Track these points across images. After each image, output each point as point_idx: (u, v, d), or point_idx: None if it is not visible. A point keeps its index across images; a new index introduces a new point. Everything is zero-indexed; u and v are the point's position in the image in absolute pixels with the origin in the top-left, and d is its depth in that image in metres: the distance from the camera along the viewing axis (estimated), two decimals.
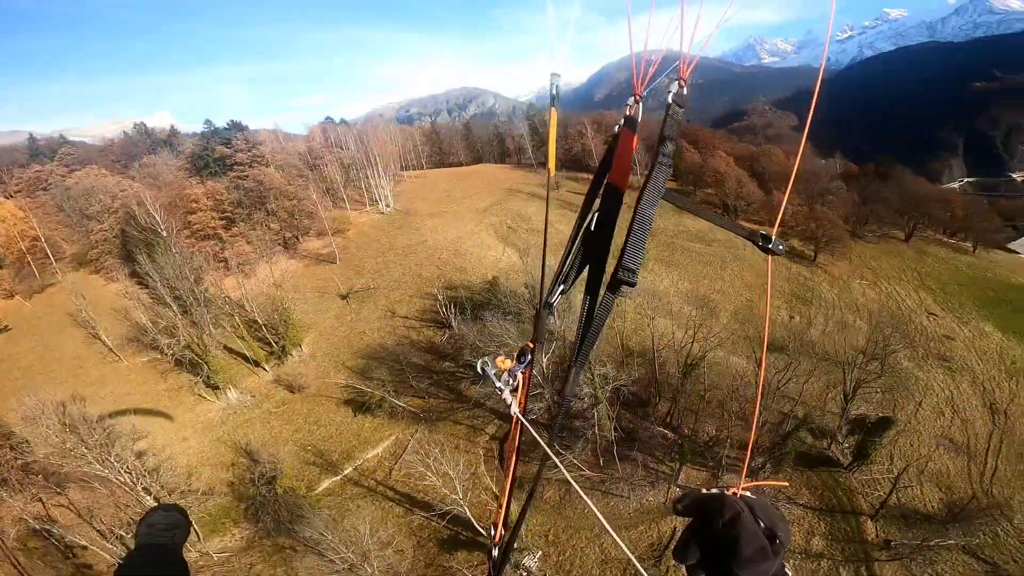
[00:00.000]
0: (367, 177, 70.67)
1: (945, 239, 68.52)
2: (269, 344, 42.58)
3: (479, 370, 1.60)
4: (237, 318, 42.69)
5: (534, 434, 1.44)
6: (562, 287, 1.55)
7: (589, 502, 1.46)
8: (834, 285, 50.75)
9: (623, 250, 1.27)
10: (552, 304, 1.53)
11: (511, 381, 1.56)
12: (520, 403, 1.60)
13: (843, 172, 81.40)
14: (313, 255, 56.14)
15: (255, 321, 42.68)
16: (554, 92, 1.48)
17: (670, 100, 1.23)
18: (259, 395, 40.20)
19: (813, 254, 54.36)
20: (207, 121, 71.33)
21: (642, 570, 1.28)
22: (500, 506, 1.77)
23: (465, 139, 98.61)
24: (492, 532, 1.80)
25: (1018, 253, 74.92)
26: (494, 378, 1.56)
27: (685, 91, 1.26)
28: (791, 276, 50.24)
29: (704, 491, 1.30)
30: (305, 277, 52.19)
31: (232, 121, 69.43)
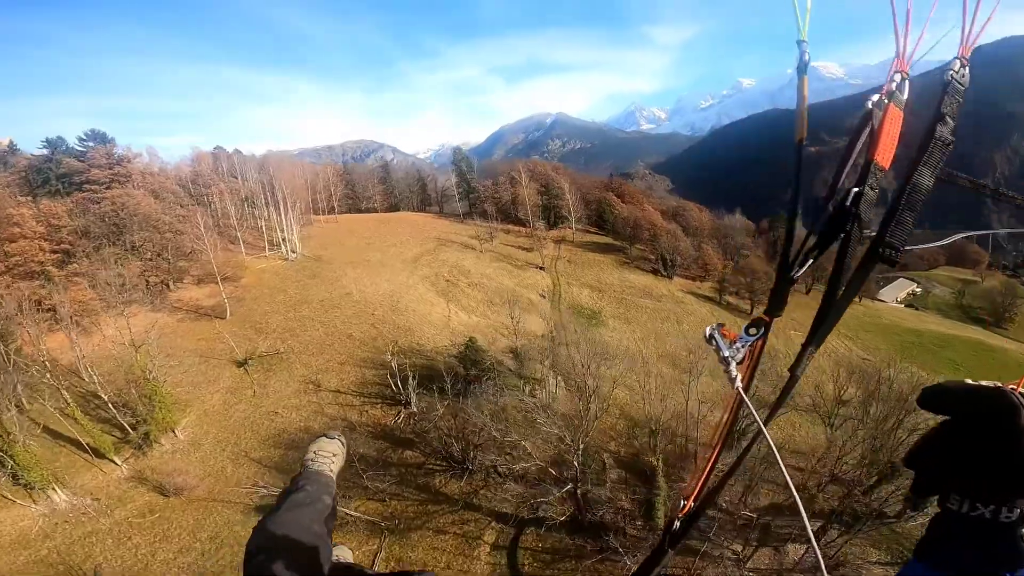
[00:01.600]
0: (269, 217, 59.46)
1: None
2: (123, 428, 29.87)
3: (706, 336, 1.36)
4: (65, 392, 29.49)
5: (755, 414, 1.23)
6: (811, 259, 1.22)
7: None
8: (778, 337, 50.78)
9: (886, 221, 1.09)
10: (794, 277, 1.22)
11: (737, 353, 1.32)
12: (744, 378, 1.34)
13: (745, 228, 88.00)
14: (192, 307, 43.39)
15: (98, 396, 30.10)
16: (805, 59, 1.18)
17: (948, 77, 1.11)
18: (108, 498, 27.24)
19: (749, 307, 54.82)
20: (57, 138, 55.45)
21: None
22: (696, 480, 1.54)
23: (383, 183, 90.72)
24: (679, 504, 1.58)
25: (885, 301, 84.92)
26: (723, 346, 1.32)
27: (966, 71, 1.13)
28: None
29: (969, 381, 1.02)
30: (181, 336, 39.42)
31: (92, 130, 54.04)
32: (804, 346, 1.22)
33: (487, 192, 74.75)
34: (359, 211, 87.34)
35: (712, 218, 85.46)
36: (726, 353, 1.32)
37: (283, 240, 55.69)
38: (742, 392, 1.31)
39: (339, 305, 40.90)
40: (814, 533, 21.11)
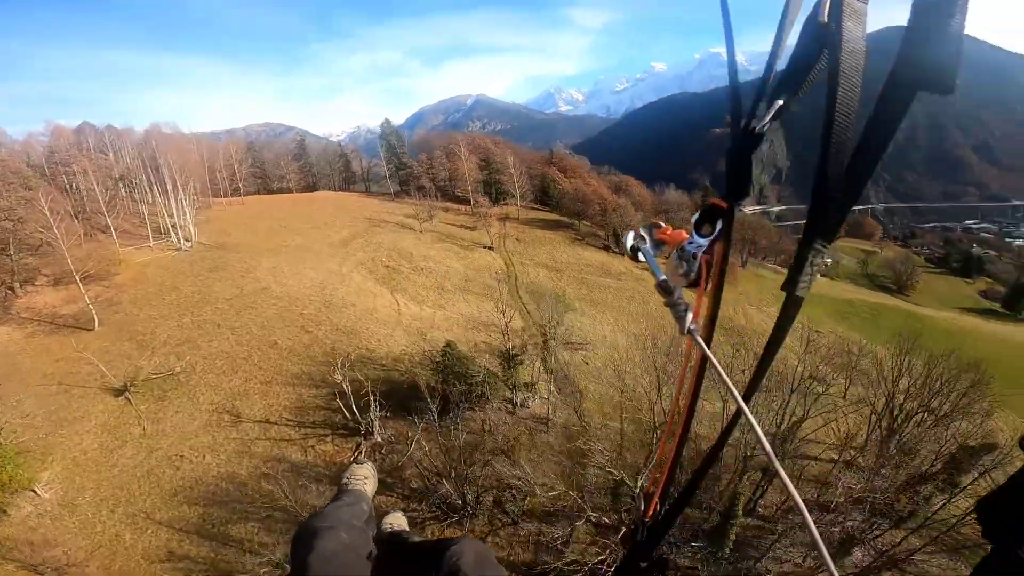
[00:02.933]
0: (153, 200, 48.27)
1: (766, 264, 77.35)
2: None
3: (628, 247, 0.97)
4: None
5: (718, 368, 0.83)
6: (780, 100, 0.77)
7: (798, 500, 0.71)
8: (736, 311, 49.40)
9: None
10: (758, 130, 0.76)
11: (686, 267, 0.88)
12: (703, 313, 0.90)
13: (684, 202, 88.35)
14: (48, 316, 32.92)
15: None
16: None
17: None
18: None
19: (704, 285, 53.40)
20: None
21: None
22: (661, 473, 1.27)
23: (298, 159, 79.22)
24: (642, 504, 1.36)
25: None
26: (656, 266, 0.90)
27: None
28: None
29: None
30: (32, 355, 29.36)
31: None
32: (805, 243, 0.75)
33: (422, 167, 67.24)
34: (270, 192, 75.83)
35: (652, 193, 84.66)
36: (662, 276, 0.86)
37: (173, 226, 45.03)
38: (698, 338, 0.84)
39: (254, 304, 32.52)
40: (871, 536, 18.34)
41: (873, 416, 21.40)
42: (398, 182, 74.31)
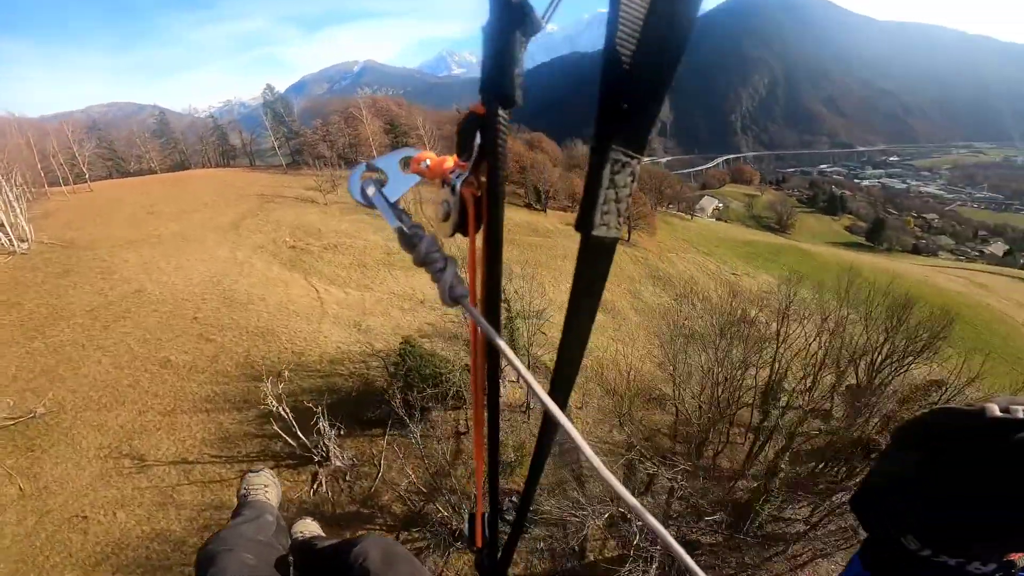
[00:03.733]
0: None
1: (671, 212, 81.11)
2: None
3: (354, 192, 0.66)
4: None
5: (505, 350, 0.58)
6: None
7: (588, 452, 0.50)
8: (662, 260, 50.50)
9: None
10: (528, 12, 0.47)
11: (447, 206, 0.65)
12: (474, 273, 0.68)
13: None
14: None
15: None
16: None
17: None
18: None
19: (627, 234, 53.79)
20: None
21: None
22: (479, 482, 1.09)
23: (159, 136, 66.48)
24: (467, 531, 1.26)
25: (703, 217, 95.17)
26: (382, 206, 0.64)
27: None
28: (635, 259, 47.34)
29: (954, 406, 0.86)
30: None
31: None
32: (598, 155, 0.49)
33: (318, 134, 59.58)
34: (127, 175, 63.36)
35: (562, 149, 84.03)
36: (398, 224, 0.61)
37: None
38: (470, 307, 0.60)
39: (127, 313, 25.80)
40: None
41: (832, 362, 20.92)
42: (290, 153, 65.67)
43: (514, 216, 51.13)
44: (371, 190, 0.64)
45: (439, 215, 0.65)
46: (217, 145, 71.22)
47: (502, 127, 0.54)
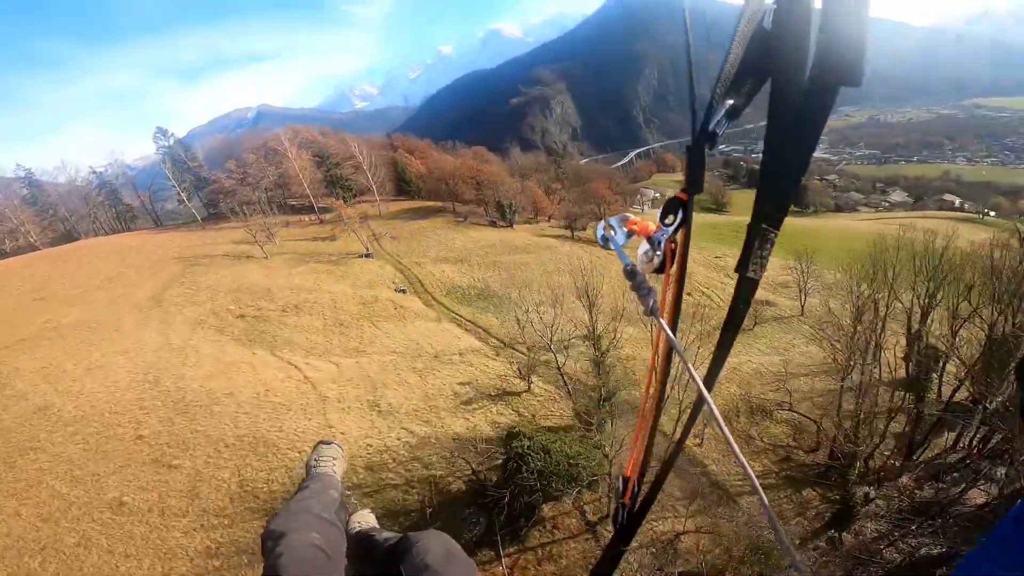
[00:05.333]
0: None
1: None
2: None
3: (599, 237, 1.01)
4: None
5: (679, 351, 0.89)
6: (730, 101, 0.79)
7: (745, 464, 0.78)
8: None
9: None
10: (715, 132, 0.80)
11: (653, 256, 0.94)
12: (668, 299, 0.96)
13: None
14: None
15: None
16: None
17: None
18: None
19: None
20: None
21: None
22: (633, 454, 1.27)
23: (33, 205, 54.62)
24: (620, 487, 1.32)
25: (647, 208, 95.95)
26: (618, 250, 0.97)
27: None
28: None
29: None
30: None
31: None
32: (753, 227, 0.83)
33: (235, 177, 51.50)
34: (2, 256, 51.51)
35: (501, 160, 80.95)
36: (628, 262, 0.93)
37: None
38: (660, 319, 0.90)
39: (36, 440, 18.06)
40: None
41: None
42: (203, 204, 56.72)
43: (484, 236, 46.51)
44: (612, 236, 0.94)
45: (646, 258, 0.91)
46: (109, 207, 60.27)
47: (692, 208, 0.87)
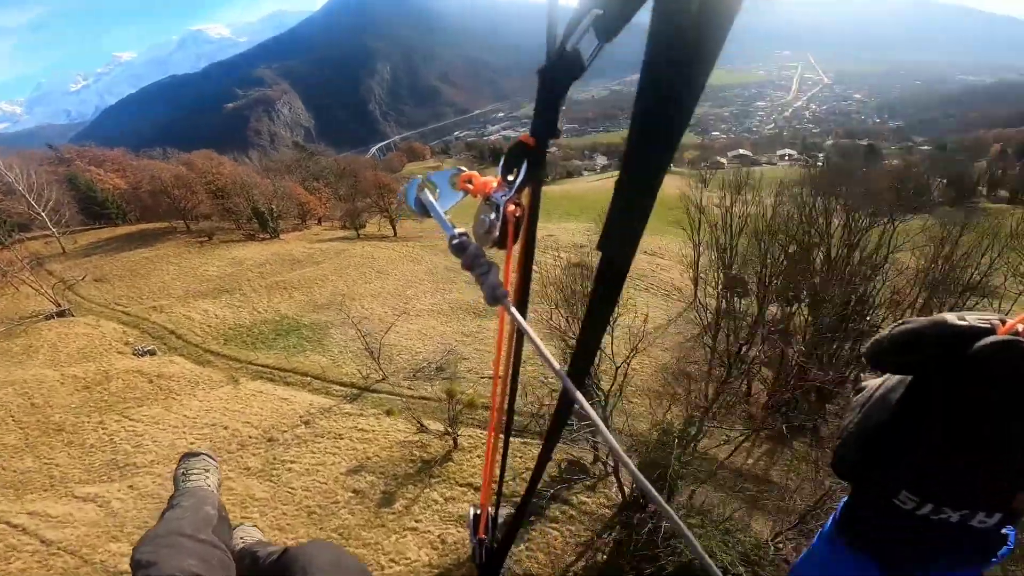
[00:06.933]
0: None
1: None
2: None
3: (409, 201, 0.74)
4: None
5: (537, 343, 0.62)
6: (600, 12, 0.51)
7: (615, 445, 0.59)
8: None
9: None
10: (578, 53, 0.54)
11: (490, 221, 0.69)
12: (509, 276, 0.75)
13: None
14: None
15: None
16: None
17: None
18: None
19: (392, 231, 46.31)
20: None
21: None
22: (486, 478, 1.08)
23: None
24: (471, 521, 1.19)
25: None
26: (438, 215, 0.71)
27: None
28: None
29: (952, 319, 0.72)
30: None
31: None
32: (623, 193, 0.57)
33: None
34: None
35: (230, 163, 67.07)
36: (455, 231, 0.66)
37: None
38: (511, 308, 0.65)
39: None
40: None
41: None
42: None
43: (245, 254, 36.57)
44: (429, 199, 0.71)
45: (478, 229, 0.68)
46: None
47: (544, 157, 0.65)
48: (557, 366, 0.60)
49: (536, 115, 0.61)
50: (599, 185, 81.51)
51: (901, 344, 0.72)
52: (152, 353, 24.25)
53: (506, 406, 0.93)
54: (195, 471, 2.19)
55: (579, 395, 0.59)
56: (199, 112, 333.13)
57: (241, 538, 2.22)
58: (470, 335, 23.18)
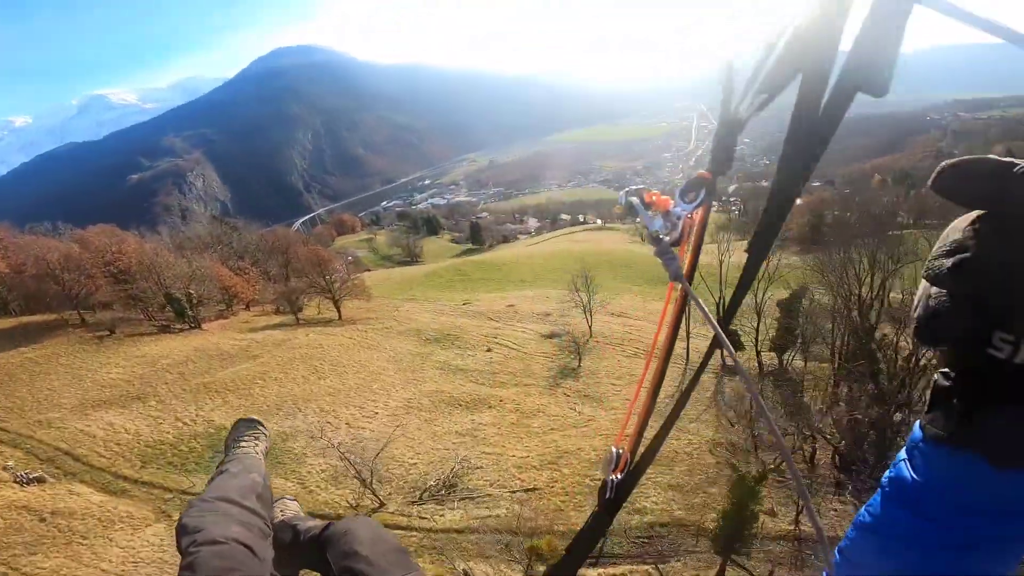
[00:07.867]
0: None
1: None
2: None
3: (621, 202, 1.01)
4: None
5: (703, 311, 0.89)
6: (764, 95, 0.77)
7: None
8: (404, 322, 41.61)
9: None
10: (743, 114, 0.82)
11: (670, 227, 0.96)
12: (686, 263, 1.00)
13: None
14: None
15: None
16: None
17: None
18: None
19: (339, 314, 41.75)
20: None
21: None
22: (634, 425, 1.25)
23: None
24: (613, 458, 1.28)
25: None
26: (648, 218, 0.96)
27: None
28: (390, 333, 36.34)
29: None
30: None
31: None
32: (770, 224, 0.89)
33: None
34: None
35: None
36: (655, 226, 0.94)
37: None
38: (685, 284, 0.90)
39: None
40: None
41: None
42: None
43: (160, 350, 31.00)
44: (637, 202, 0.95)
45: (663, 231, 0.93)
46: None
47: (715, 186, 0.90)
48: (714, 320, 0.83)
49: (712, 159, 0.86)
50: (536, 250, 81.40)
51: (962, 169, 0.70)
52: (40, 480, 18.71)
53: (659, 369, 1.10)
54: (246, 438, 2.22)
55: (732, 350, 0.80)
56: (100, 183, 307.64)
57: (281, 511, 2.21)
58: (466, 434, 20.08)
